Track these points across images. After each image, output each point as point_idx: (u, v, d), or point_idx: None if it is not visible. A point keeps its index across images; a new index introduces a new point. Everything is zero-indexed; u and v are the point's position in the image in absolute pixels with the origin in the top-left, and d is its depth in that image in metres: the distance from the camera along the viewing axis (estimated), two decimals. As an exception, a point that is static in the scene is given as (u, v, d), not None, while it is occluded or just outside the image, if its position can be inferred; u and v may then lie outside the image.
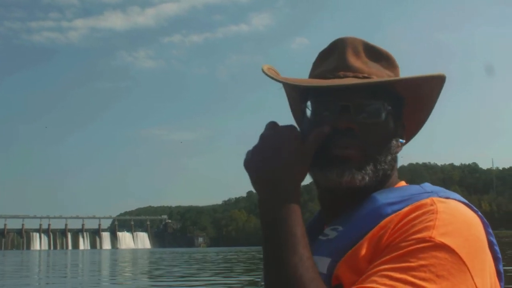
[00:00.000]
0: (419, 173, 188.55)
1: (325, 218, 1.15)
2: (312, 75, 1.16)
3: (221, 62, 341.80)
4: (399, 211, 0.97)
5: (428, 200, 0.97)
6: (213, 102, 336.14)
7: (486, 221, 1.01)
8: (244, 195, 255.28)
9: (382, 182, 1.08)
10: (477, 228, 0.94)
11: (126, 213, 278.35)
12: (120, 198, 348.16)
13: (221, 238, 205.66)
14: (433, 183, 1.07)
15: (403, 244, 0.89)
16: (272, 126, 1.06)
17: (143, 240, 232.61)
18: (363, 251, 0.94)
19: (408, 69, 1.14)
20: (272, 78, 1.09)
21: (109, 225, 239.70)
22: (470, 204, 1.02)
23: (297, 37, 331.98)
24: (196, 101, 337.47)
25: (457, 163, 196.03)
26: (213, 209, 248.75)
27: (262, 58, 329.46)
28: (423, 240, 0.88)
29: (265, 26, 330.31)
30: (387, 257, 0.90)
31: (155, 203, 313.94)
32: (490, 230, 1.01)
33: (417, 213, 0.94)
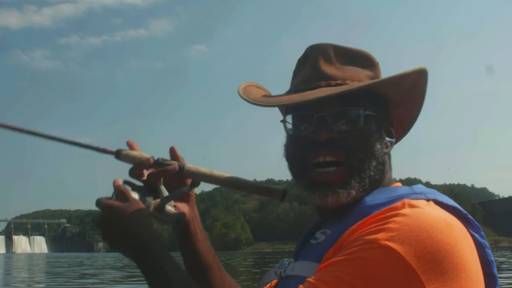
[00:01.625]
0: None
1: (323, 220, 1.15)
2: (291, 85, 1.19)
3: (119, 65, 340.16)
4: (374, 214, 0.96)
5: (399, 204, 0.96)
6: (110, 105, 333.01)
7: (477, 224, 1.01)
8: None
9: (371, 188, 1.08)
10: (442, 230, 0.90)
11: (22, 216, 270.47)
12: (17, 200, 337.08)
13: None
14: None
15: (353, 244, 0.91)
16: (107, 208, 1.15)
17: (40, 245, 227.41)
18: (332, 254, 0.96)
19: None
20: (245, 99, 1.13)
21: (4, 228, 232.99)
22: (458, 207, 1.01)
23: (197, 45, 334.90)
24: (94, 104, 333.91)
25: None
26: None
27: (161, 63, 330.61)
28: (369, 241, 0.88)
29: (164, 32, 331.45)
30: (337, 256, 0.92)
31: (53, 207, 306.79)
32: (482, 233, 1.01)
33: (381, 216, 0.94)
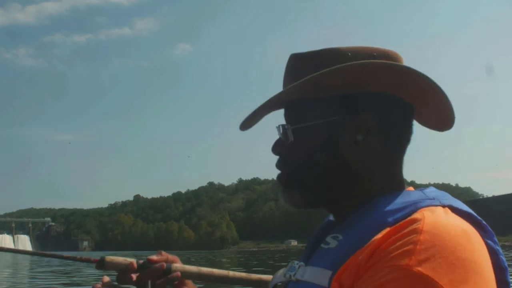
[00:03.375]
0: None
1: (333, 222, 1.12)
2: None
3: (104, 64, 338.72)
4: (390, 228, 0.91)
5: (418, 215, 0.92)
6: (95, 104, 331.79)
7: (490, 230, 0.98)
8: (131, 198, 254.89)
9: (335, 193, 1.05)
10: (465, 248, 0.87)
11: (6, 215, 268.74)
12: (0, 199, 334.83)
13: (106, 241, 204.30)
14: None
15: (380, 273, 0.85)
16: None
17: (24, 243, 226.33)
18: (350, 269, 0.91)
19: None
20: (247, 121, 1.12)
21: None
22: (472, 213, 0.98)
23: (181, 44, 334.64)
24: (79, 103, 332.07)
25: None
26: (99, 212, 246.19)
27: (146, 62, 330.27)
28: (399, 268, 0.84)
29: (149, 31, 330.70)
30: (364, 283, 0.87)
31: (38, 205, 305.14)
32: (495, 239, 0.98)
33: (402, 232, 0.89)
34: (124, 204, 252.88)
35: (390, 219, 0.93)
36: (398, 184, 1.06)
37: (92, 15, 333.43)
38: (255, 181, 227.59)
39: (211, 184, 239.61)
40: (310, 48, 1.07)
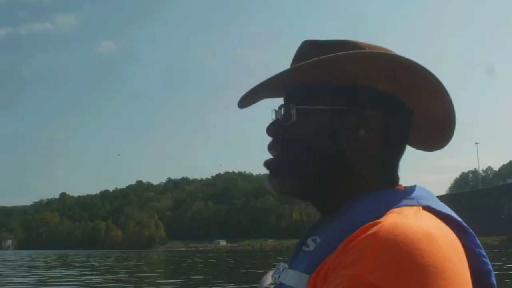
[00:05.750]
0: (235, 182, 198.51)
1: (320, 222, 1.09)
2: None
3: (24, 59, 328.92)
4: (357, 230, 0.87)
5: (381, 219, 0.87)
6: (16, 99, 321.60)
7: (472, 232, 0.95)
8: (57, 196, 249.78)
9: (337, 186, 1.02)
10: (425, 252, 0.81)
11: None
12: None
13: (31, 240, 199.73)
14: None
15: (335, 282, 0.82)
16: None
17: None
18: (323, 272, 0.88)
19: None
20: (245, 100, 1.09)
21: None
22: (452, 215, 0.94)
23: (104, 40, 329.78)
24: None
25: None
26: (23, 210, 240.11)
27: (68, 58, 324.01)
28: (350, 277, 0.80)
29: (70, 26, 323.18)
30: None
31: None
32: (477, 242, 0.95)
33: (360, 237, 0.85)
34: (50, 202, 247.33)
35: (362, 221, 0.89)
36: (390, 184, 1.03)
37: (12, 8, 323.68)
38: (184, 180, 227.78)
39: (139, 182, 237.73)
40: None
